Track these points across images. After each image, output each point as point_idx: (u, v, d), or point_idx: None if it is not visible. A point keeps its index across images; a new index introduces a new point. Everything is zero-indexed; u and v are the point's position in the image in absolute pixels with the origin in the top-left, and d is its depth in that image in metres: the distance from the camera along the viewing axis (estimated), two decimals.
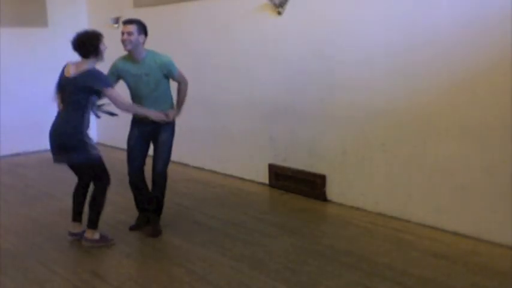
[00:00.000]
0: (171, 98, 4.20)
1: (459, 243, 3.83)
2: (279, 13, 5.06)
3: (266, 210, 4.89)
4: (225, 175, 5.91)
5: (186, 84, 4.21)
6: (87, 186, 4.02)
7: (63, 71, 3.80)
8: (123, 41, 3.90)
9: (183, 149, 6.54)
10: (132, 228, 4.25)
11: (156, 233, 4.13)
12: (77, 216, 4.02)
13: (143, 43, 3.99)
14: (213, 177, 5.91)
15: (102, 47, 3.74)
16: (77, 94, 3.70)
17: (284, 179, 5.27)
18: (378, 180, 4.48)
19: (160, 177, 4.15)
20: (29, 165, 6.73)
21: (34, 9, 7.51)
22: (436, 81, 3.99)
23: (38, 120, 7.48)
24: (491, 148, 3.74)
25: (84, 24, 7.89)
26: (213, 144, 6.12)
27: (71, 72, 3.70)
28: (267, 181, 5.45)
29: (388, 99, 4.30)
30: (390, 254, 3.69)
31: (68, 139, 3.75)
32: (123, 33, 3.91)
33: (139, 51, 3.97)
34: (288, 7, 5.00)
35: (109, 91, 3.73)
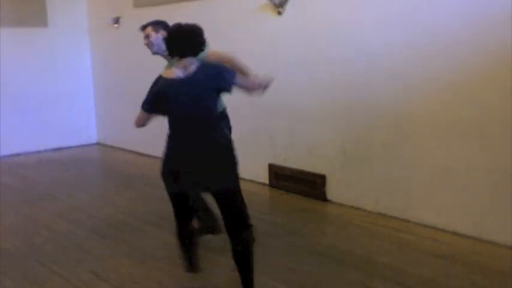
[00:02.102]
0: None
1: (459, 243, 3.82)
2: (279, 13, 5.06)
3: (266, 210, 4.89)
4: None
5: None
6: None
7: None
8: (147, 46, 3.80)
9: None
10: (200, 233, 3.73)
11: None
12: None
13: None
14: None
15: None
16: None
17: (284, 179, 5.27)
18: (378, 180, 4.48)
19: None
20: (29, 165, 6.72)
21: (34, 9, 7.50)
22: (436, 81, 3.99)
23: (38, 120, 7.50)
24: (491, 148, 3.74)
25: (84, 24, 7.91)
26: None
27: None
28: (267, 181, 5.45)
29: (388, 99, 4.30)
30: (390, 254, 3.69)
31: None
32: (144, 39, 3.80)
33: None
34: (288, 7, 5.00)
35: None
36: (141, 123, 3.02)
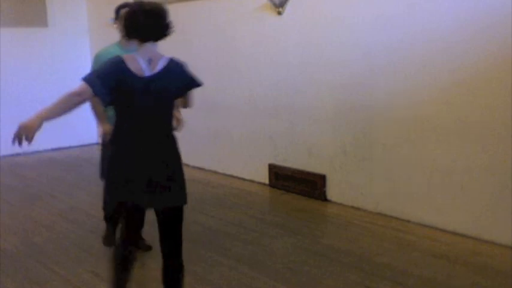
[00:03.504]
0: None
1: (459, 243, 3.82)
2: (279, 13, 5.06)
3: (266, 210, 4.89)
4: (225, 175, 5.91)
5: None
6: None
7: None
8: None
9: (183, 149, 6.52)
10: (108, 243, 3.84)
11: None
12: None
13: None
14: (213, 177, 5.91)
15: None
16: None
17: (284, 179, 5.27)
18: (378, 180, 4.48)
19: None
20: (29, 165, 6.72)
21: (34, 9, 7.50)
22: (436, 80, 3.99)
23: None
24: (491, 148, 3.74)
25: (84, 25, 7.91)
26: (213, 144, 6.11)
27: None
28: (267, 181, 5.45)
29: (388, 99, 4.30)
30: (390, 254, 3.69)
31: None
32: None
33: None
34: (288, 7, 5.00)
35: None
36: (85, 94, 2.37)
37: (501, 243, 3.72)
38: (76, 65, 7.72)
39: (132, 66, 2.43)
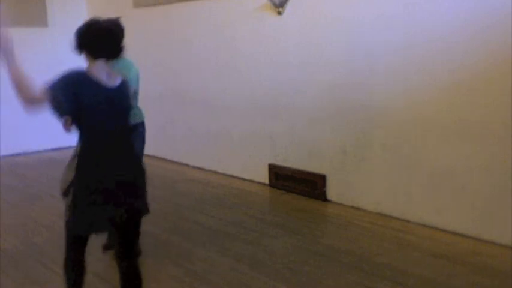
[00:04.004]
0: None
1: (459, 243, 3.82)
2: (279, 13, 5.06)
3: (266, 210, 4.89)
4: (225, 175, 5.91)
5: None
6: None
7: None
8: None
9: (183, 149, 6.55)
10: (107, 248, 3.82)
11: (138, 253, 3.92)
12: None
13: None
14: (213, 177, 5.91)
15: None
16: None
17: (284, 179, 5.27)
18: (378, 180, 4.48)
19: None
20: (29, 165, 6.72)
21: (34, 9, 7.51)
22: (436, 80, 3.99)
23: (38, 120, 7.49)
24: (491, 148, 3.74)
25: None
26: (213, 144, 6.11)
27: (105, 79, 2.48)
28: (267, 181, 5.45)
29: (388, 99, 4.30)
30: (390, 254, 3.69)
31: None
32: None
33: None
34: (288, 7, 5.00)
35: None
36: (41, 98, 2.34)
37: (501, 243, 3.72)
38: (76, 65, 7.74)
39: (94, 75, 2.42)
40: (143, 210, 2.64)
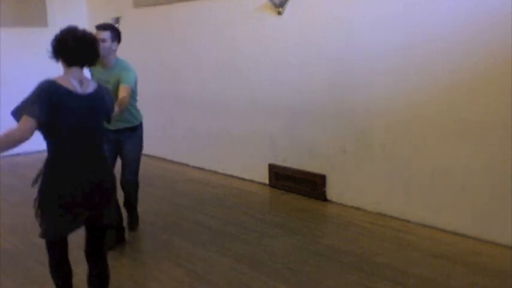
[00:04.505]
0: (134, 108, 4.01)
1: (459, 243, 3.83)
2: (279, 13, 5.06)
3: (266, 210, 4.89)
4: (225, 175, 5.91)
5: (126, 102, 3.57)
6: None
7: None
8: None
9: (183, 149, 6.55)
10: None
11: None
12: None
13: (115, 50, 3.83)
14: (213, 177, 5.91)
15: None
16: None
17: (284, 179, 5.27)
18: (378, 180, 4.48)
19: (127, 186, 4.10)
20: (29, 165, 6.71)
21: (34, 9, 7.51)
22: (436, 80, 3.99)
23: None
24: (491, 148, 3.74)
25: (84, 24, 7.90)
26: (213, 144, 6.12)
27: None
28: (267, 181, 5.45)
29: (388, 99, 4.30)
30: (390, 254, 3.69)
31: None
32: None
33: (111, 58, 3.81)
34: (288, 7, 5.00)
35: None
36: (28, 135, 2.47)
37: (501, 243, 3.73)
38: None
39: (65, 84, 2.48)
40: (108, 216, 2.72)
